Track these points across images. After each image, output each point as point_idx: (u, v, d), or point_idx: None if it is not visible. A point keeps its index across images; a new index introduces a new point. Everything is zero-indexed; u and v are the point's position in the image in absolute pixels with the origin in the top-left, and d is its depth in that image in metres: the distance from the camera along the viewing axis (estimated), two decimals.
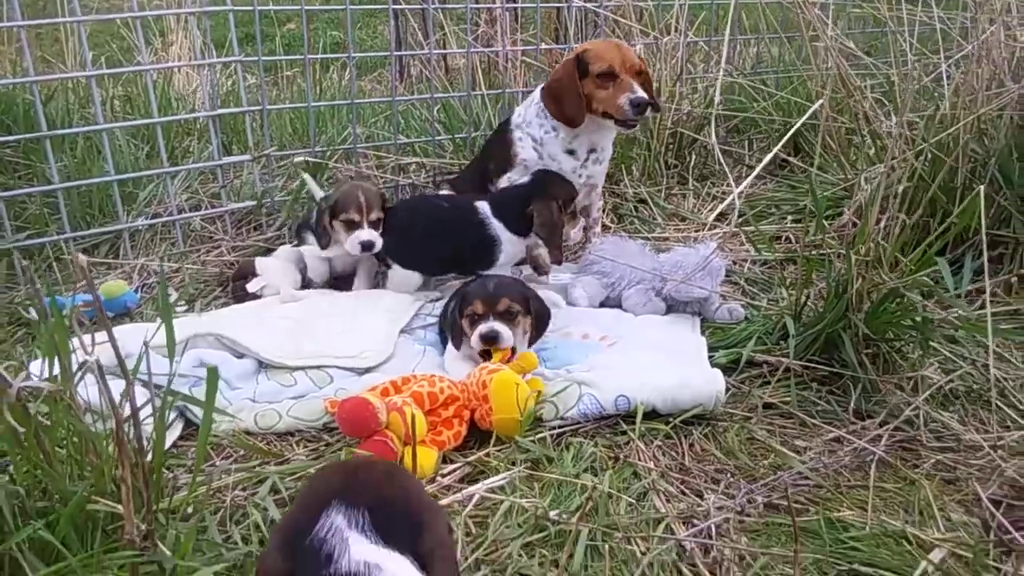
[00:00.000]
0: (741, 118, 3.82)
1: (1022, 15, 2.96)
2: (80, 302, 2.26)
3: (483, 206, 2.57)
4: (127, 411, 1.21)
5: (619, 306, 2.53)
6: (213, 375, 1.28)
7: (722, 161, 2.80)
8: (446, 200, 2.74)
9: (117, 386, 1.24)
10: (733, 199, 2.65)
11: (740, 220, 3.20)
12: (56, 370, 1.32)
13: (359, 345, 2.28)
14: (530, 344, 2.24)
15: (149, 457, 1.30)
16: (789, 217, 3.18)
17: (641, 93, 2.57)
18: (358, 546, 1.05)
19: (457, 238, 2.57)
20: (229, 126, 3.73)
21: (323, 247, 2.59)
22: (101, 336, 1.19)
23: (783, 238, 3.04)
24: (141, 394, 1.30)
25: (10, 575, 1.20)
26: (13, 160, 3.06)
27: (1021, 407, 2.05)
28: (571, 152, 2.71)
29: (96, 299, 1.15)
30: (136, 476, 1.16)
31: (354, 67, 3.44)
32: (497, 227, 2.54)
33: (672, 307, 2.50)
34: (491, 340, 2.13)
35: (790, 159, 3.55)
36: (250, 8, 2.86)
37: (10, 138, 2.81)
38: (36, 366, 1.80)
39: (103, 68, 2.93)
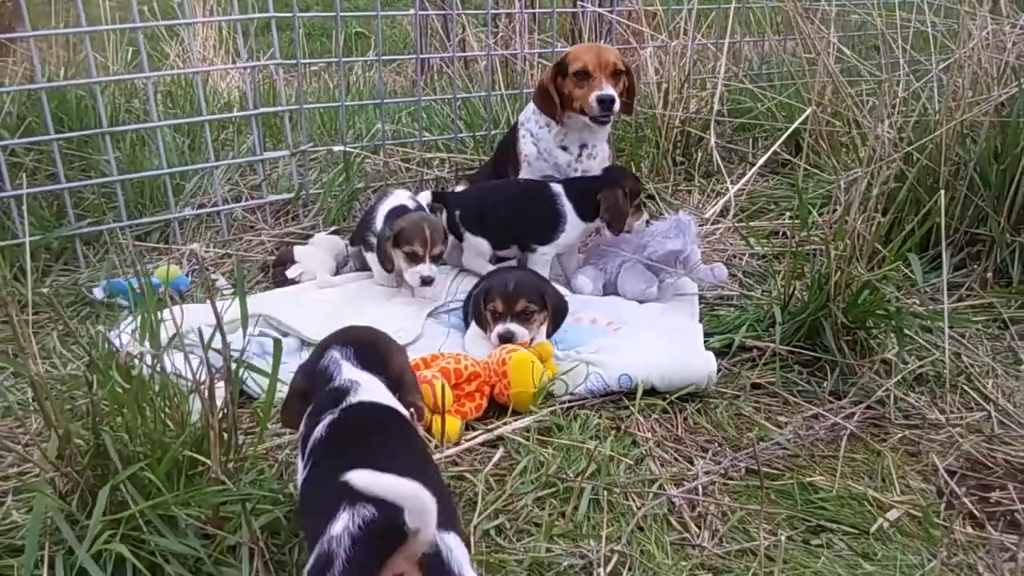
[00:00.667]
0: (746, 118, 4.02)
1: (1010, 20, 3.16)
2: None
3: (557, 187, 2.80)
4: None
5: (616, 292, 2.79)
6: (278, 346, 1.54)
7: (719, 163, 3.01)
8: (521, 181, 2.98)
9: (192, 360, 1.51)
10: (729, 197, 2.87)
11: (742, 215, 3.43)
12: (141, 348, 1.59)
13: (391, 326, 2.52)
14: (549, 335, 2.44)
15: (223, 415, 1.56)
16: (787, 214, 3.41)
17: (609, 91, 2.73)
18: (347, 370, 1.57)
19: (528, 211, 2.79)
20: (263, 121, 3.97)
21: (387, 271, 2.68)
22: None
23: (780, 233, 3.26)
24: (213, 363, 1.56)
25: (114, 508, 1.46)
26: (68, 153, 3.31)
27: (984, 391, 2.28)
28: (564, 148, 2.93)
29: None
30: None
31: (381, 68, 3.68)
32: (567, 207, 2.76)
33: (660, 276, 2.75)
34: (507, 340, 2.34)
35: (791, 159, 3.77)
36: (290, 15, 3.11)
37: (75, 134, 3.06)
38: (124, 337, 2.07)
39: (146, 64, 3.17)
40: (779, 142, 2.50)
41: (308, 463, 1.40)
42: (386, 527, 1.15)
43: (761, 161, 2.31)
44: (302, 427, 1.51)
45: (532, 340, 2.38)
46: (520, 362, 2.15)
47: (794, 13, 2.89)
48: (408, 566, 1.15)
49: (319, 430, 1.42)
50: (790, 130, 2.32)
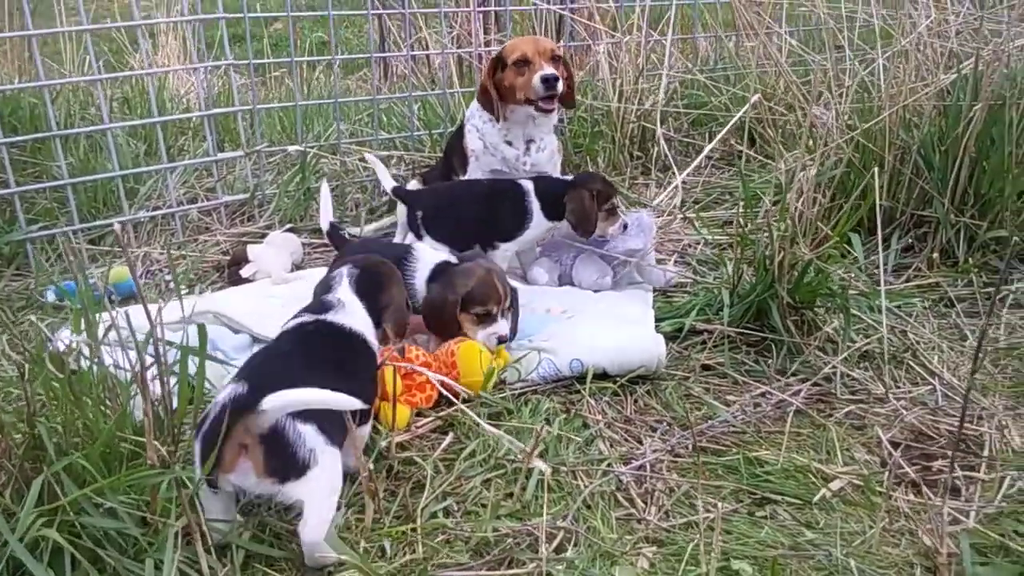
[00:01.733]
0: (701, 111, 4.07)
1: (953, 10, 3.23)
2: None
3: (527, 183, 2.77)
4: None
5: (572, 282, 2.80)
6: (203, 331, 1.55)
7: (666, 152, 3.04)
8: (487, 180, 2.95)
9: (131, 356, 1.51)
10: (676, 186, 2.90)
11: (696, 206, 3.47)
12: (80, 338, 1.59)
13: None
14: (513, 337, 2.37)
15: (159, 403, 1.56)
16: (741, 203, 3.45)
17: (551, 70, 2.75)
18: (341, 288, 1.89)
19: (496, 209, 2.74)
20: (221, 124, 3.98)
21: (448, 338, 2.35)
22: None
23: (734, 223, 3.30)
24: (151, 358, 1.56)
25: (50, 498, 1.45)
26: (20, 159, 3.29)
27: (929, 366, 2.32)
28: (509, 143, 2.94)
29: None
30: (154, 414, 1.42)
31: (338, 68, 3.69)
32: (535, 205, 2.72)
33: (615, 269, 2.77)
34: (504, 341, 2.30)
35: (746, 150, 3.81)
36: (240, 16, 3.11)
37: (24, 138, 3.04)
38: (64, 335, 2.06)
39: (101, 70, 3.17)
40: (725, 130, 2.55)
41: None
42: (240, 403, 1.47)
43: (707, 149, 2.35)
44: None
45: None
46: (468, 350, 2.16)
47: (740, 8, 2.92)
48: (250, 439, 1.46)
49: (292, 322, 1.82)
50: (735, 119, 2.36)
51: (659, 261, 2.89)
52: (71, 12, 4.92)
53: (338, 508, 1.60)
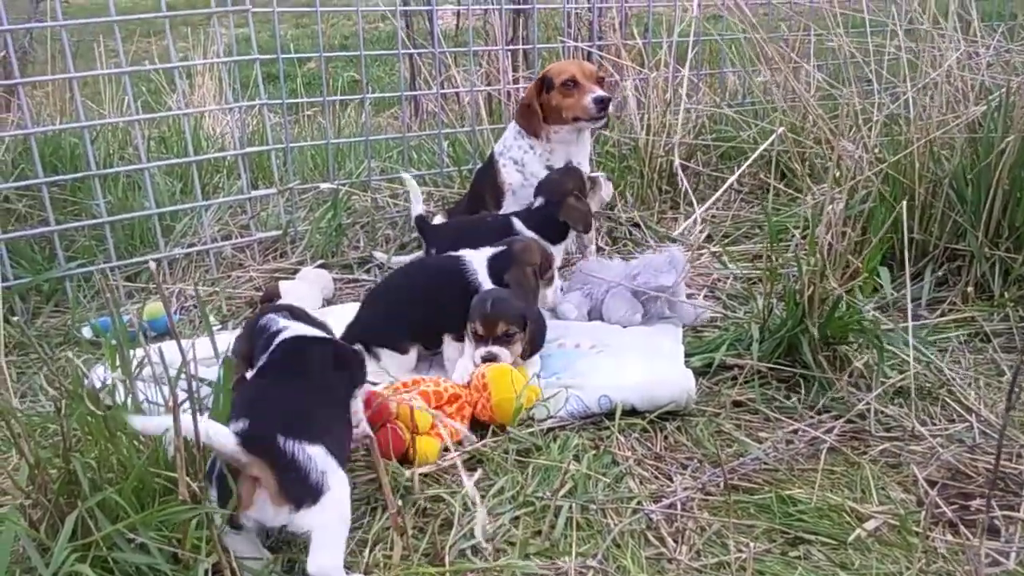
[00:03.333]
0: (728, 146, 4.07)
1: (983, 42, 3.22)
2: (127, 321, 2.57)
3: (516, 221, 2.81)
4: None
5: (601, 317, 2.79)
6: (228, 363, 1.57)
7: (684, 184, 3.05)
8: (490, 218, 2.97)
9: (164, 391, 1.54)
10: (696, 218, 2.91)
11: (726, 241, 3.46)
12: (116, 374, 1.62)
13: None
14: (526, 356, 2.43)
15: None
16: (769, 238, 3.43)
17: (602, 92, 2.89)
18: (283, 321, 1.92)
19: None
20: (255, 162, 4.05)
21: None
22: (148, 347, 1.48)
23: (764, 256, 3.28)
24: (183, 394, 1.59)
25: (83, 533, 1.47)
26: (60, 197, 3.38)
27: (966, 402, 2.28)
28: (549, 168, 3.00)
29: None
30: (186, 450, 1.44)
31: (369, 107, 3.75)
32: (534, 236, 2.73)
33: (645, 305, 2.76)
34: (489, 360, 2.33)
35: (777, 184, 3.80)
36: (274, 56, 3.18)
37: (65, 177, 3.12)
38: (99, 371, 2.10)
39: (139, 111, 3.26)
40: (747, 163, 2.54)
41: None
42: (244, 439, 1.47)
43: (729, 182, 2.34)
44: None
45: (515, 363, 2.39)
46: (498, 372, 2.20)
47: (761, 43, 2.94)
48: (261, 470, 1.47)
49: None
50: (758, 151, 2.36)
51: (689, 296, 2.88)
52: (111, 54, 5.06)
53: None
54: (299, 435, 1.53)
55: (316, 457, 1.53)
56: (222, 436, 1.44)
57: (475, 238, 2.69)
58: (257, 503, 1.49)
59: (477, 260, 2.53)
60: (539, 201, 2.85)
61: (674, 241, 3.48)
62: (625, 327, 2.76)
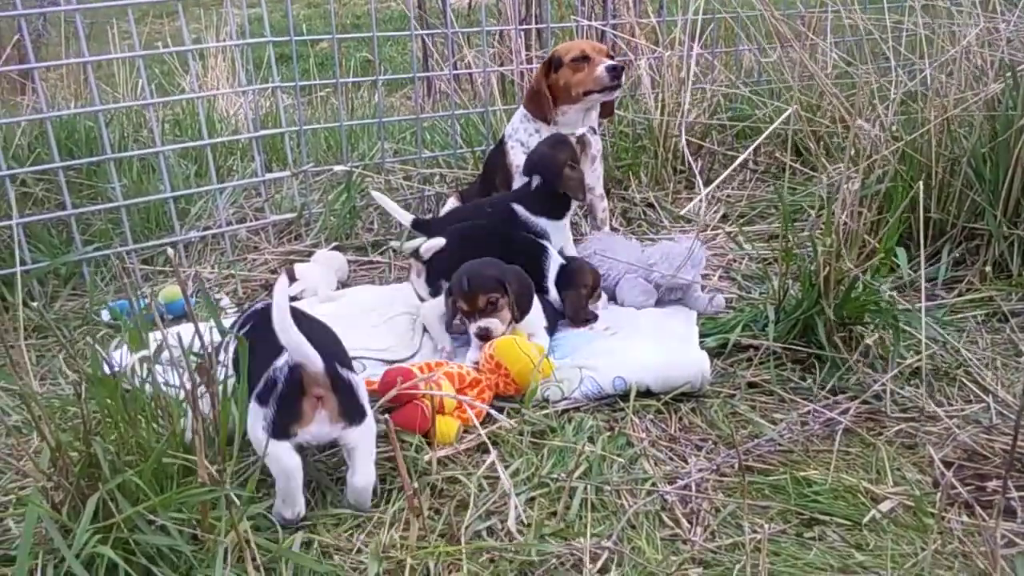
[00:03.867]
0: (744, 125, 4.04)
1: (1003, 17, 3.17)
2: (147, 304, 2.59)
3: (518, 207, 2.80)
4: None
5: (613, 298, 2.79)
6: (243, 344, 1.58)
7: (690, 162, 3.04)
8: (490, 205, 2.95)
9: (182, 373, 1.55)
10: (702, 197, 2.90)
11: (741, 220, 3.44)
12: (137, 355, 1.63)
13: (387, 340, 2.57)
14: (519, 320, 2.40)
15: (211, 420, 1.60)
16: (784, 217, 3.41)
17: (613, 61, 2.89)
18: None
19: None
20: (268, 144, 4.05)
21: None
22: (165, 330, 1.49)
23: (781, 236, 3.26)
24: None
25: (105, 515, 1.49)
26: (77, 181, 3.39)
27: (983, 383, 2.27)
28: None
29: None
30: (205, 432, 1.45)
31: (382, 88, 3.74)
32: (539, 219, 2.75)
33: (660, 292, 2.75)
34: (484, 337, 2.36)
35: (793, 164, 3.77)
36: (287, 39, 3.17)
37: (81, 161, 3.14)
38: (116, 355, 2.11)
39: (153, 94, 3.26)
40: (758, 141, 2.52)
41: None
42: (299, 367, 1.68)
43: (739, 160, 2.32)
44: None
45: (510, 325, 2.40)
46: (504, 344, 2.23)
47: (775, 22, 2.91)
48: (322, 389, 1.71)
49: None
50: (770, 130, 2.34)
51: (704, 281, 2.87)
52: (124, 36, 5.07)
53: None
54: (347, 367, 1.79)
55: (359, 386, 1.80)
56: (316, 359, 1.68)
57: (477, 229, 2.76)
58: (317, 419, 1.72)
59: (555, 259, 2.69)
60: (536, 180, 2.80)
61: (688, 221, 3.46)
62: (627, 305, 2.76)
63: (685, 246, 2.71)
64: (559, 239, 2.83)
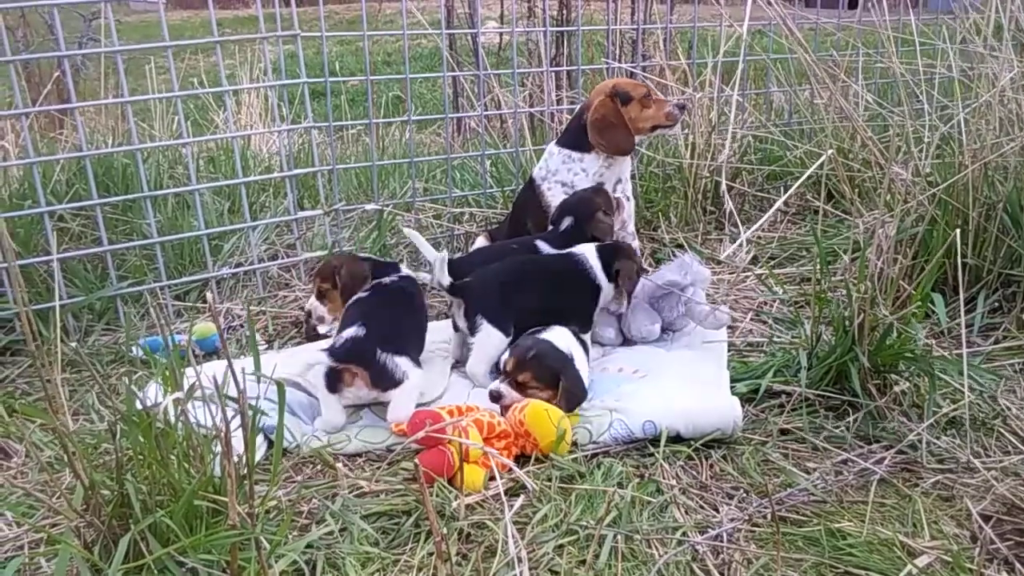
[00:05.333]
0: (776, 166, 4.03)
1: None
2: (179, 340, 2.62)
3: (543, 245, 2.84)
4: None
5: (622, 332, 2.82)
6: (282, 389, 1.58)
7: (732, 209, 3.03)
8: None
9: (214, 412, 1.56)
10: (742, 241, 2.88)
11: (772, 263, 3.42)
12: (171, 396, 1.64)
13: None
14: (567, 411, 2.27)
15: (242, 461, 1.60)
16: (817, 262, 3.39)
17: (679, 99, 3.15)
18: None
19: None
20: (301, 182, 4.10)
21: None
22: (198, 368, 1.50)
23: (811, 280, 3.24)
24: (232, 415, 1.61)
25: (135, 556, 1.49)
26: (112, 216, 3.45)
27: (1021, 434, 2.22)
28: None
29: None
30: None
31: (412, 127, 3.78)
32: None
33: (661, 312, 2.80)
34: (494, 398, 2.35)
35: (825, 206, 3.75)
36: (321, 80, 3.23)
37: (117, 199, 3.19)
38: (150, 391, 2.13)
39: (189, 131, 3.33)
40: (796, 187, 2.51)
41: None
42: (354, 341, 2.30)
43: (777, 205, 2.31)
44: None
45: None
46: (535, 414, 2.17)
47: (808, 64, 2.91)
48: (360, 371, 2.28)
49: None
50: (807, 174, 2.33)
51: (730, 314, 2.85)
52: (161, 71, 5.18)
53: None
54: (391, 349, 2.31)
55: (401, 363, 2.31)
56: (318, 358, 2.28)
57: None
58: (356, 384, 2.29)
59: (588, 252, 2.71)
60: (567, 222, 2.84)
61: (719, 263, 3.45)
62: (649, 341, 2.78)
63: (676, 261, 2.82)
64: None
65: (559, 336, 2.49)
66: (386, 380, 2.27)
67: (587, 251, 2.71)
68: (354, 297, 2.55)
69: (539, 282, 2.66)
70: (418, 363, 2.39)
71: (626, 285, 2.67)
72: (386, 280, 2.61)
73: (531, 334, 2.51)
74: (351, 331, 2.32)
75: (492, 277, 2.64)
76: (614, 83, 3.07)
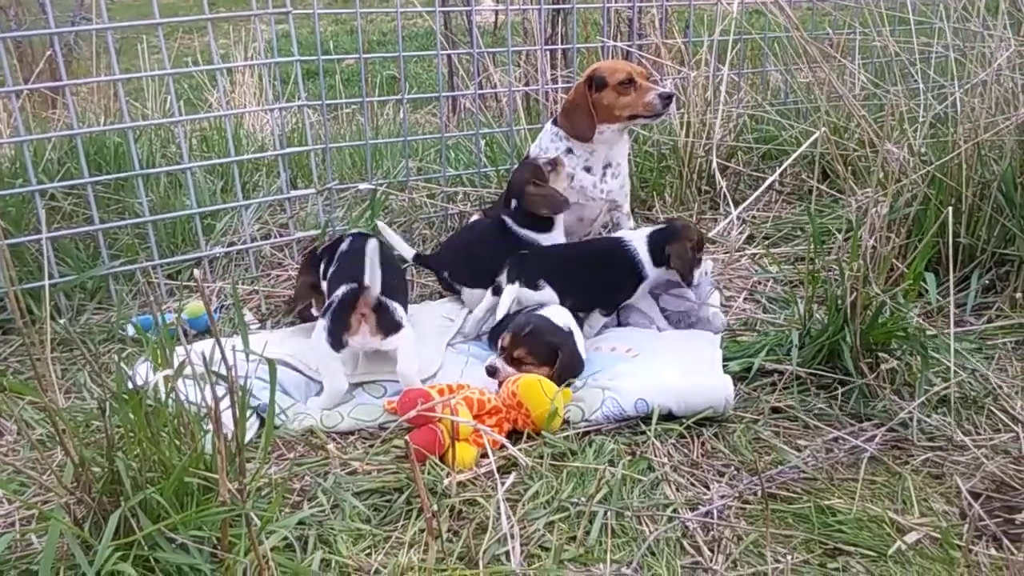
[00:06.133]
0: (772, 145, 4.02)
1: None
2: (170, 319, 2.61)
3: (508, 221, 2.91)
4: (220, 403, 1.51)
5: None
6: (272, 367, 1.58)
7: (723, 187, 3.02)
8: (487, 221, 3.09)
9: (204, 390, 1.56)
10: (732, 219, 2.88)
11: (767, 242, 3.42)
12: (162, 373, 1.64)
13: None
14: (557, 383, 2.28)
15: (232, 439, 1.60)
16: (811, 240, 3.38)
17: (665, 88, 2.92)
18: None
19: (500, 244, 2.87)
20: (294, 161, 4.08)
21: None
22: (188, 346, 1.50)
23: (806, 259, 3.24)
24: (224, 393, 1.60)
25: (126, 532, 1.49)
26: (104, 195, 3.43)
27: (1012, 412, 2.23)
28: (588, 169, 3.02)
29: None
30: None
31: (406, 107, 3.76)
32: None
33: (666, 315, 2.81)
34: (489, 374, 2.37)
35: (819, 185, 3.74)
36: (314, 58, 3.20)
37: (109, 177, 3.17)
38: (141, 370, 2.13)
39: (182, 110, 3.31)
40: (786, 164, 2.50)
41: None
42: (355, 290, 2.34)
43: (767, 184, 2.31)
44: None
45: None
46: (528, 385, 2.18)
47: (803, 44, 2.89)
48: (366, 308, 2.33)
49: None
50: (797, 152, 2.32)
51: (725, 298, 2.86)
52: (153, 50, 5.14)
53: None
54: (389, 295, 2.36)
55: (396, 309, 2.38)
56: (375, 286, 2.30)
57: (474, 247, 2.94)
58: (361, 331, 2.34)
59: (637, 239, 2.72)
60: (514, 202, 2.91)
61: (713, 242, 3.44)
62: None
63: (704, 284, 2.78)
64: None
65: (556, 313, 2.49)
66: (389, 323, 2.35)
67: (637, 239, 2.73)
68: (332, 266, 2.58)
69: (583, 267, 2.74)
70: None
71: (679, 267, 2.65)
72: (346, 243, 2.65)
73: (529, 311, 2.52)
74: (344, 288, 2.37)
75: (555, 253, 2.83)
76: (595, 67, 3.01)
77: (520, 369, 2.34)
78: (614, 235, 2.89)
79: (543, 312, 2.48)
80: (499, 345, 2.41)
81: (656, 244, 2.69)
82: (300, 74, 3.28)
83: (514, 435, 2.19)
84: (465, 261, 2.95)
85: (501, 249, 2.81)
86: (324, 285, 2.60)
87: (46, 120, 4.89)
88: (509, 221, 2.90)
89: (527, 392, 2.15)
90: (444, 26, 5.18)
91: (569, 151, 2.99)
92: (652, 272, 2.70)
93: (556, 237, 2.90)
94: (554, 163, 2.91)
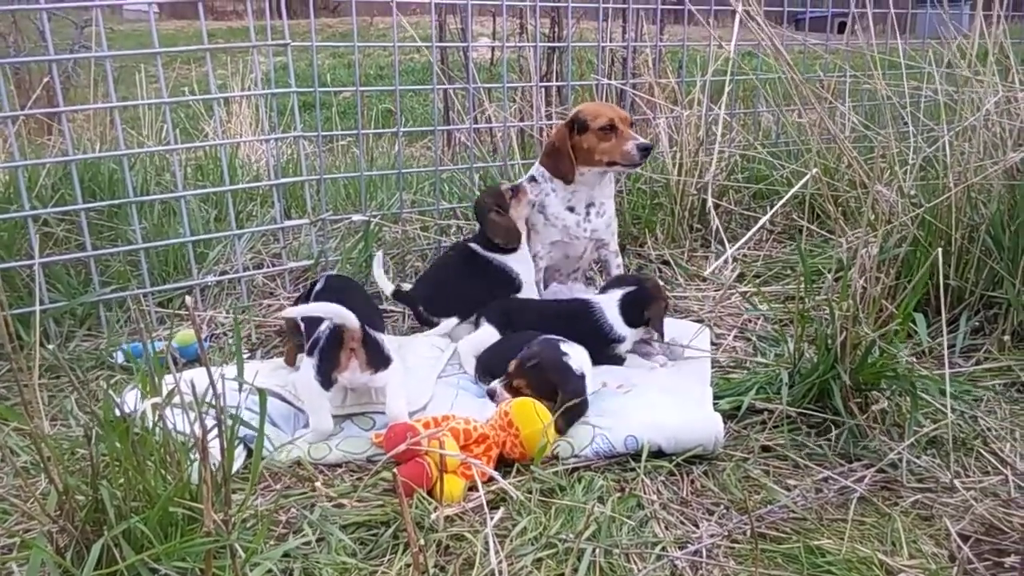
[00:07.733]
0: (761, 186, 4.06)
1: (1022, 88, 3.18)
2: (160, 347, 2.60)
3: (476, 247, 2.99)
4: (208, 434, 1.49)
5: None
6: (263, 397, 1.57)
7: (719, 227, 3.04)
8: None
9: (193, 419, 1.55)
10: (727, 257, 2.90)
11: (758, 281, 3.44)
12: (150, 401, 1.63)
13: None
14: (561, 432, 2.24)
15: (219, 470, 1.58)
16: (801, 280, 3.40)
17: (644, 140, 2.93)
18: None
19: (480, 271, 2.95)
20: (288, 191, 4.10)
21: None
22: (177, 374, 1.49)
23: (797, 298, 3.25)
24: (212, 423, 1.59)
25: (108, 562, 1.47)
26: (98, 222, 3.43)
27: (1001, 455, 2.23)
28: (571, 209, 3.04)
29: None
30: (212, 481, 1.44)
31: (402, 140, 3.78)
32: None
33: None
34: (489, 396, 2.40)
35: (810, 225, 3.77)
36: (311, 90, 3.23)
37: (103, 204, 3.17)
38: (129, 397, 2.12)
39: (178, 139, 3.32)
40: (779, 205, 2.53)
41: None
42: (340, 327, 2.28)
43: (760, 223, 2.33)
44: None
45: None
46: (521, 404, 2.20)
47: (795, 84, 2.93)
48: (355, 343, 2.29)
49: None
50: (791, 193, 2.35)
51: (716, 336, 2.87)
52: (151, 79, 5.17)
53: None
54: (375, 328, 2.38)
55: (383, 342, 2.36)
56: (352, 320, 2.27)
57: (445, 276, 3.01)
58: (351, 367, 2.30)
59: (606, 303, 2.77)
60: (479, 227, 3.00)
61: (704, 279, 3.46)
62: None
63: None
64: (525, 269, 2.97)
65: (575, 352, 2.45)
66: (378, 358, 2.32)
67: (607, 304, 2.76)
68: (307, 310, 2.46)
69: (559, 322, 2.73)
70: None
71: (659, 328, 2.74)
72: (320, 284, 2.72)
73: (547, 339, 2.49)
74: (326, 324, 2.34)
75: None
76: (579, 109, 3.03)
77: (515, 395, 2.34)
78: (585, 298, 2.91)
79: (566, 347, 2.44)
80: (508, 369, 2.41)
81: (630, 307, 2.75)
82: (297, 105, 3.30)
83: (503, 467, 2.17)
84: (438, 292, 2.98)
85: (470, 274, 2.92)
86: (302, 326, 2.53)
87: (41, 146, 4.90)
88: (475, 245, 2.97)
89: (519, 411, 2.16)
90: (441, 61, 5.23)
91: (553, 191, 3.02)
92: (628, 333, 2.75)
93: (522, 259, 2.97)
94: (515, 190, 2.98)
